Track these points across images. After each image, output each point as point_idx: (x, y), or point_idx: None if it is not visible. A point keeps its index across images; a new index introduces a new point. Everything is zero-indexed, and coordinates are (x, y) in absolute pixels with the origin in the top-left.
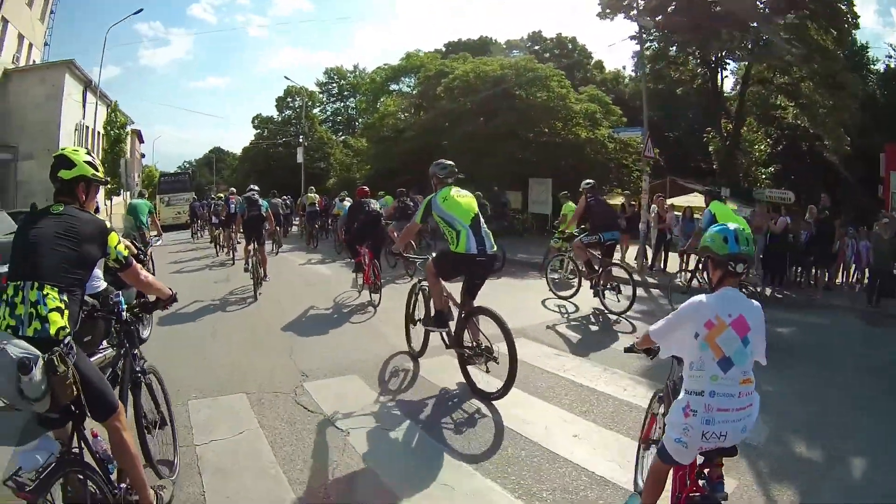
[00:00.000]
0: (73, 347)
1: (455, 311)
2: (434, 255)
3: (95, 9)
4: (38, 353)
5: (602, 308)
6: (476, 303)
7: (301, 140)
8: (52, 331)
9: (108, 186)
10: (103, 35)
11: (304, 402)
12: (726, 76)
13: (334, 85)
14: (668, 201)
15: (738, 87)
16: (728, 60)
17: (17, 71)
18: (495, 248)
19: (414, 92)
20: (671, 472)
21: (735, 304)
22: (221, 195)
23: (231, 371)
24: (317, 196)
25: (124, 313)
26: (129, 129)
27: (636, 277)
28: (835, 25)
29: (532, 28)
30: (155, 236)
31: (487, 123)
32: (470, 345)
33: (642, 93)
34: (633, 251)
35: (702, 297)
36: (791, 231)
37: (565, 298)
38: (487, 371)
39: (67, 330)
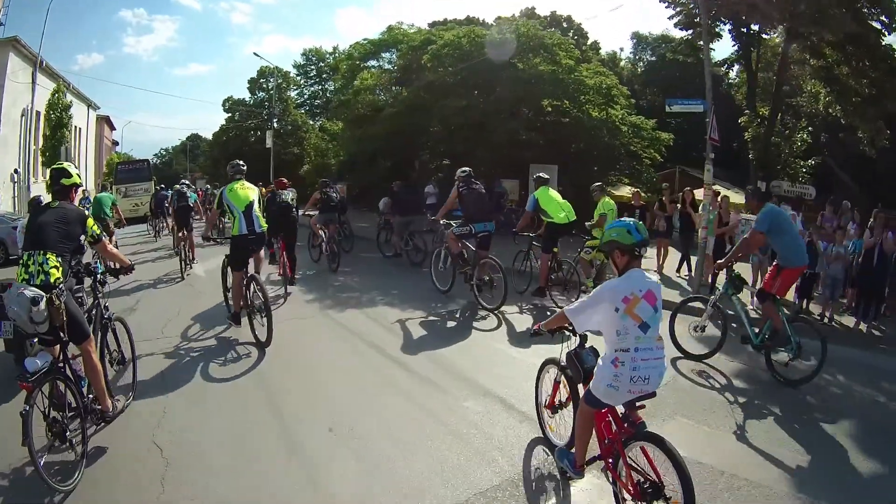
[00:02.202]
0: (63, 291)
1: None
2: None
3: None
4: (43, 293)
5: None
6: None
7: (270, 123)
8: (52, 279)
9: (46, 179)
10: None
11: None
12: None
13: (312, 67)
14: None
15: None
16: (765, 34)
17: None
18: (264, 228)
19: (395, 67)
20: (595, 421)
21: (641, 282)
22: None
23: None
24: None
25: (99, 274)
26: (72, 112)
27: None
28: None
29: (525, 4)
30: (116, 224)
31: (484, 98)
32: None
33: (704, 56)
34: (673, 260)
35: (615, 280)
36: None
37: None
38: None
39: (61, 279)
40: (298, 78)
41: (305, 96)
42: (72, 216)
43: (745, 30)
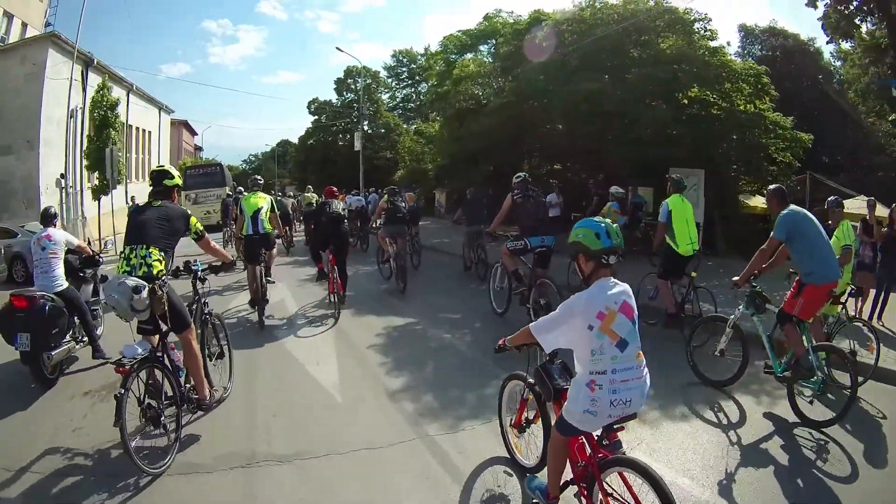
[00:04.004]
0: (165, 282)
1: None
2: None
3: None
4: (145, 283)
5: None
6: None
7: (359, 124)
8: (154, 271)
9: (93, 185)
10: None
11: None
12: None
13: (403, 69)
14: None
15: None
16: None
17: None
18: (268, 229)
19: (497, 57)
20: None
21: (616, 292)
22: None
23: None
24: (315, 195)
25: (200, 271)
26: (119, 110)
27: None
28: None
29: None
30: None
31: (615, 83)
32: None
33: None
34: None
35: (584, 293)
36: None
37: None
38: None
39: (164, 272)
40: (389, 80)
41: (398, 99)
42: (175, 214)
43: None
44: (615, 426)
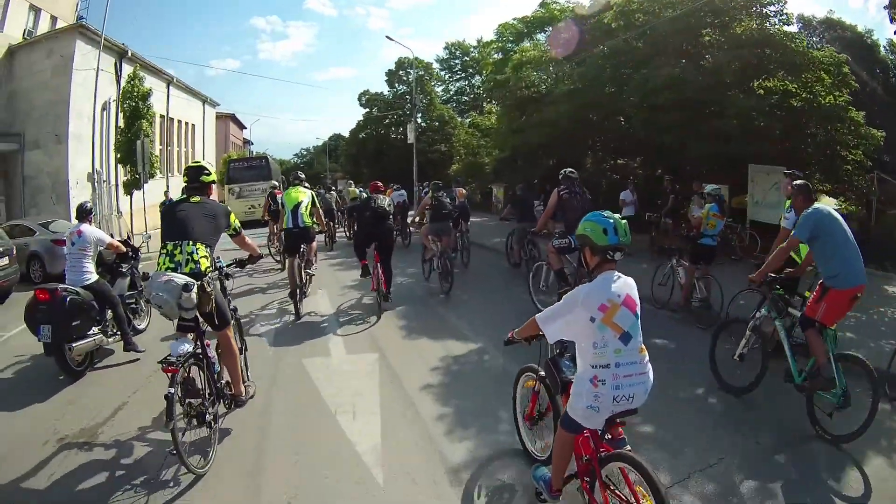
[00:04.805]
0: (213, 280)
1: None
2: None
3: None
4: (194, 280)
5: None
6: None
7: (413, 116)
8: (203, 268)
9: (126, 178)
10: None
11: None
12: None
13: (457, 62)
14: None
15: None
16: None
17: (25, 45)
18: (307, 223)
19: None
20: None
21: (619, 285)
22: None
23: None
24: (358, 190)
25: (225, 267)
26: (152, 101)
27: None
28: None
29: None
30: None
31: (694, 68)
32: None
33: None
34: None
35: (587, 285)
36: None
37: None
38: None
39: (211, 268)
40: (443, 72)
41: (451, 92)
42: (218, 210)
43: None
44: (617, 420)
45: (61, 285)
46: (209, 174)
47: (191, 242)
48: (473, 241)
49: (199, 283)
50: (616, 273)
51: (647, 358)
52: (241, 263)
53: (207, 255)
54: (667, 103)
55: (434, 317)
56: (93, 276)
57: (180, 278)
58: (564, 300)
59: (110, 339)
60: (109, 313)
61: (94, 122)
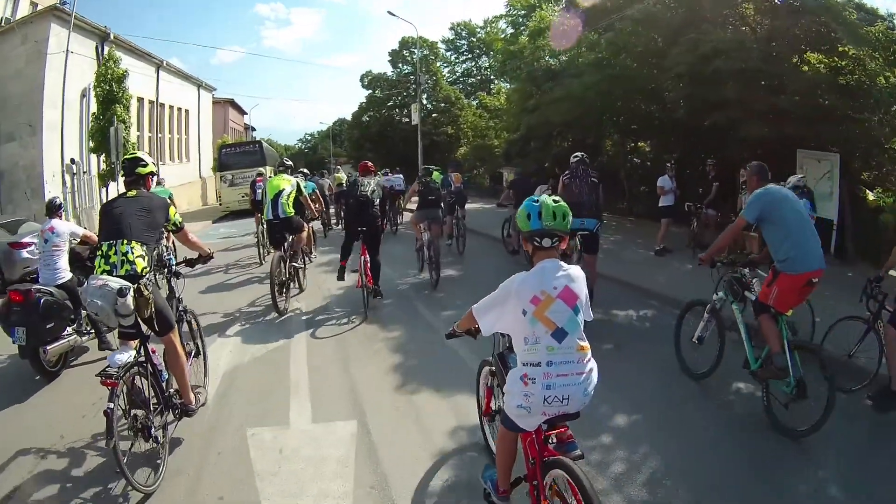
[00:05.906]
0: (151, 281)
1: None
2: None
3: None
4: (130, 284)
5: None
6: None
7: (418, 95)
8: (139, 269)
9: (101, 170)
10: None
11: None
12: None
13: (463, 42)
14: None
15: None
16: None
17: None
18: (288, 213)
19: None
20: (520, 439)
21: (558, 276)
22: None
23: None
24: (345, 175)
25: (174, 266)
26: (128, 83)
27: None
28: None
29: None
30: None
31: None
32: None
33: None
34: None
35: (522, 273)
36: None
37: None
38: None
39: (148, 269)
40: (448, 53)
41: (458, 74)
42: (155, 204)
43: None
44: (558, 424)
45: (35, 286)
46: (146, 165)
47: (125, 242)
48: (472, 227)
49: (135, 286)
50: (559, 262)
51: (589, 357)
52: (190, 262)
53: (144, 254)
54: (719, 74)
55: (421, 324)
56: (67, 274)
57: (115, 282)
58: (500, 288)
59: (84, 338)
60: (83, 312)
61: (73, 111)
